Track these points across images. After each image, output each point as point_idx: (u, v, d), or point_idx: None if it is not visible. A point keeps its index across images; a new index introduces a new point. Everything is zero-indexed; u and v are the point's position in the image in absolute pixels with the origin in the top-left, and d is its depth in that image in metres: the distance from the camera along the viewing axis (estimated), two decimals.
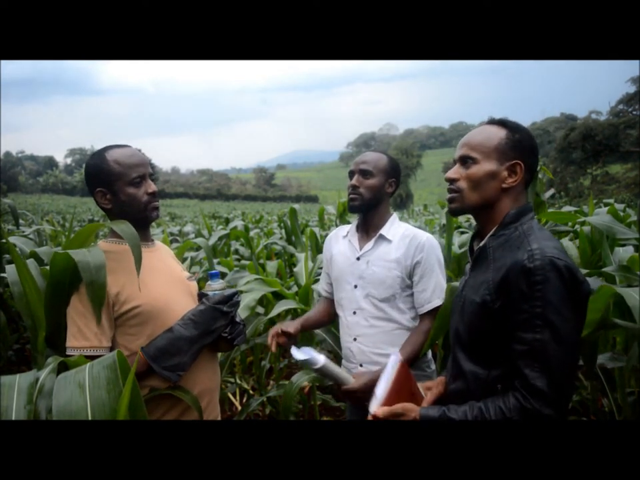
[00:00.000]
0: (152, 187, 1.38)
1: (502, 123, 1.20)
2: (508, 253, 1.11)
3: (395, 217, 1.82)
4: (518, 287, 1.04)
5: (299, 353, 1.44)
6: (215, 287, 1.40)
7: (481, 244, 1.21)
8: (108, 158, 1.34)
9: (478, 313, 1.13)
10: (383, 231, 1.76)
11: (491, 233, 1.19)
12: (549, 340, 1.01)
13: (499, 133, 1.17)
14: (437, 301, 1.68)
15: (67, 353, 1.25)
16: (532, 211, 1.20)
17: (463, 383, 1.18)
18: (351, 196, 1.76)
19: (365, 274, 1.73)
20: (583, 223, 2.82)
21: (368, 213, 1.77)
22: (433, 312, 1.68)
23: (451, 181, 1.21)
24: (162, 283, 1.39)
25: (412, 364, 1.66)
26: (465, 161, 1.19)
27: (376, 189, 1.74)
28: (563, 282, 1.02)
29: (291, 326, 1.73)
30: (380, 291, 1.71)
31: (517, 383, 1.04)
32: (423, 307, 1.70)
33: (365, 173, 1.74)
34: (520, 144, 1.17)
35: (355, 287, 1.75)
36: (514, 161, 1.15)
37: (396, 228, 1.77)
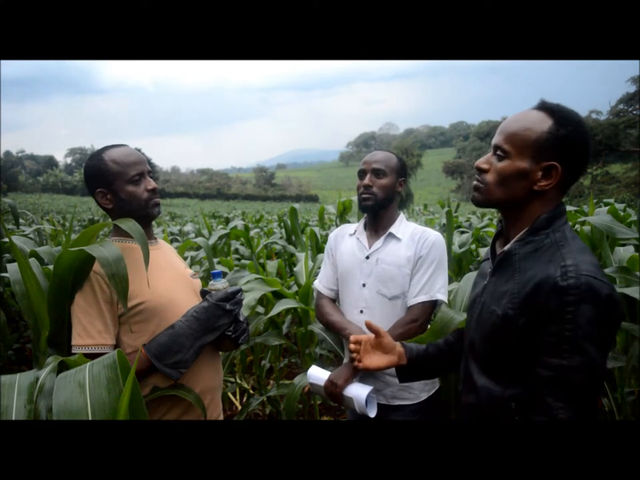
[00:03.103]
0: (151, 183, 1.39)
1: (551, 110, 1.01)
2: (537, 264, 0.99)
3: (402, 216, 1.82)
4: (547, 306, 0.93)
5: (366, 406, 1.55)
6: (218, 287, 1.39)
7: (506, 248, 1.08)
8: (106, 158, 1.35)
9: (498, 326, 1.03)
10: (393, 229, 1.76)
11: (517, 237, 1.06)
12: (577, 367, 0.90)
13: (543, 125, 1.00)
14: (422, 297, 1.67)
15: (73, 352, 1.26)
16: (564, 213, 1.05)
17: (474, 398, 1.10)
18: (364, 195, 1.74)
19: (374, 272, 1.72)
20: (583, 223, 2.82)
21: (379, 212, 1.77)
22: (418, 307, 1.67)
23: (480, 171, 1.08)
24: (165, 280, 1.40)
25: None
26: (497, 151, 1.05)
27: (389, 188, 1.74)
28: (598, 304, 0.90)
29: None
30: (390, 289, 1.70)
31: (536, 412, 0.94)
32: (409, 300, 1.70)
33: (378, 172, 1.73)
34: (564, 142, 0.99)
35: (364, 285, 1.74)
36: (550, 162, 0.99)
37: (405, 227, 1.78)
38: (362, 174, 1.78)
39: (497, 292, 1.06)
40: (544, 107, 1.03)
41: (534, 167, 1.01)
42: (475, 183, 1.11)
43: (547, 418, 0.92)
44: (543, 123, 1.00)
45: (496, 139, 1.06)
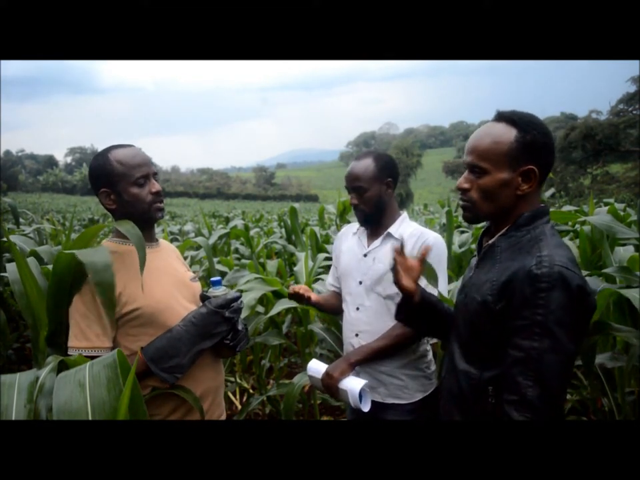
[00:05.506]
0: (156, 186, 1.37)
1: (512, 120, 1.09)
2: (516, 255, 1.07)
3: (404, 216, 1.82)
4: (521, 292, 1.01)
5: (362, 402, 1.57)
6: (217, 294, 1.39)
7: (490, 242, 1.17)
8: (111, 158, 1.34)
9: (478, 312, 1.11)
10: (391, 230, 1.77)
11: (502, 232, 1.15)
12: (547, 349, 0.98)
13: (509, 135, 1.08)
14: None
15: (69, 353, 1.25)
16: (547, 213, 1.13)
17: (454, 381, 1.18)
18: (356, 213, 1.79)
19: (370, 270, 1.75)
20: (583, 223, 2.81)
21: (374, 217, 1.79)
22: None
23: (463, 190, 1.15)
24: (164, 284, 1.39)
25: (373, 360, 1.71)
26: (474, 169, 1.12)
27: (373, 199, 1.73)
28: (568, 293, 0.98)
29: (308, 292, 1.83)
30: (385, 288, 1.71)
31: (507, 391, 1.02)
32: None
33: (358, 190, 1.73)
34: (533, 146, 1.07)
35: (360, 283, 1.77)
36: (527, 167, 1.07)
37: (404, 227, 1.78)
38: (347, 191, 1.80)
39: (480, 281, 1.14)
40: (503, 117, 1.11)
41: (513, 175, 1.09)
42: (462, 204, 1.18)
43: (517, 397, 1.00)
44: (509, 133, 1.08)
45: (469, 158, 1.12)
